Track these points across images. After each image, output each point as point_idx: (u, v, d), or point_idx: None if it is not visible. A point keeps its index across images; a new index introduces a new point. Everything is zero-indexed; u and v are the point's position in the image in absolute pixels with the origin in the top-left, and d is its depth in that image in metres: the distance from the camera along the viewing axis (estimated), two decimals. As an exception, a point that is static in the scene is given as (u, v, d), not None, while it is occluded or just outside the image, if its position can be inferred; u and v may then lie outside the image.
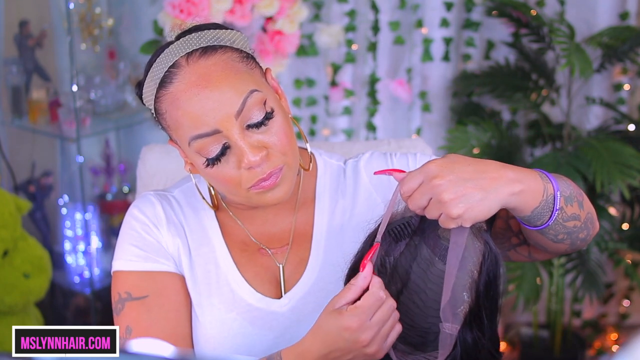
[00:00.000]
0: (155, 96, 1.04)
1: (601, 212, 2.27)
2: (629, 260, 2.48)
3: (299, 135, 1.86)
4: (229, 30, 1.07)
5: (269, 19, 2.21)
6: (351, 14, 2.50)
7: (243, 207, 1.14)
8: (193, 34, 1.04)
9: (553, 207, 0.96)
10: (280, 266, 1.12)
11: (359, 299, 0.94)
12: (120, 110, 2.53)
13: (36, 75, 2.45)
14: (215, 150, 1.01)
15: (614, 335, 2.71)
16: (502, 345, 2.70)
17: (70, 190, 2.58)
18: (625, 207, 2.47)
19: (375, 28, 2.52)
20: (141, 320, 1.08)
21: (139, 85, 1.08)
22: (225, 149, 1.01)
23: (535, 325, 2.51)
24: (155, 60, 1.05)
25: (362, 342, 0.93)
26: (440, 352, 0.94)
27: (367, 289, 0.94)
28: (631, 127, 2.44)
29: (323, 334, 0.95)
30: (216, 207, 1.15)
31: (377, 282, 0.94)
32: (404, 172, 0.95)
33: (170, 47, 1.04)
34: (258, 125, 1.01)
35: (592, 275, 2.28)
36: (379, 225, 0.99)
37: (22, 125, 2.42)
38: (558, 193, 0.96)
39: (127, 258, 1.11)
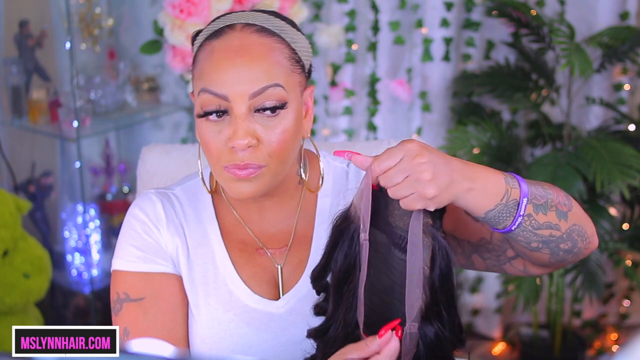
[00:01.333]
0: (200, 43, 1.06)
1: (601, 212, 2.27)
2: (629, 261, 2.48)
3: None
4: (299, 34, 1.08)
5: (269, 19, 2.21)
6: (351, 14, 2.50)
7: (239, 201, 1.14)
8: (266, 14, 1.07)
9: (516, 213, 0.96)
10: (279, 267, 1.12)
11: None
12: (120, 110, 2.53)
13: (36, 75, 2.45)
14: (211, 108, 1.02)
15: (614, 335, 2.71)
16: (502, 345, 2.70)
17: (70, 190, 2.58)
18: (625, 207, 2.47)
19: (375, 28, 2.52)
20: (138, 323, 1.08)
21: (196, 34, 1.10)
22: (221, 112, 1.02)
23: (535, 325, 2.51)
24: (220, 17, 1.08)
25: None
26: (403, 354, 0.94)
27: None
28: (631, 127, 2.44)
29: None
30: (214, 191, 1.15)
31: (393, 347, 0.93)
32: (360, 154, 0.95)
33: (239, 12, 1.07)
34: (265, 110, 1.01)
35: (592, 275, 2.28)
36: (341, 219, 0.98)
37: (22, 125, 2.42)
38: (525, 199, 0.95)
39: (126, 258, 1.11)
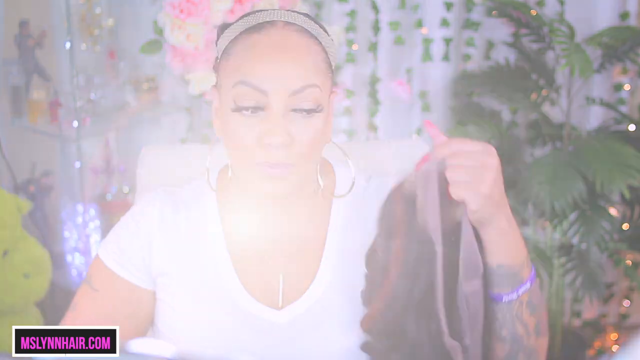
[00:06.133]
0: (235, 37, 1.04)
1: (601, 212, 2.27)
2: (629, 261, 2.48)
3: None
4: (331, 40, 1.08)
5: (269, 19, 2.21)
6: (351, 14, 2.50)
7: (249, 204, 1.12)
8: (302, 16, 1.05)
9: (517, 288, 0.96)
10: (281, 275, 1.08)
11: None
12: (120, 110, 2.52)
13: (36, 75, 2.45)
14: (249, 102, 0.99)
15: (614, 335, 2.71)
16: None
17: (70, 190, 2.58)
18: (625, 207, 2.46)
19: (376, 28, 2.52)
20: (83, 305, 1.10)
21: (224, 27, 1.07)
22: (257, 109, 0.99)
23: (535, 325, 2.50)
24: (253, 14, 1.05)
25: None
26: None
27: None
28: (631, 127, 2.44)
29: None
30: (220, 190, 1.13)
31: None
32: (441, 134, 0.96)
33: (274, 10, 1.05)
34: (302, 110, 1.00)
35: (592, 275, 2.27)
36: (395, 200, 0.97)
37: (22, 125, 2.42)
38: (529, 284, 0.97)
39: (107, 249, 1.12)
